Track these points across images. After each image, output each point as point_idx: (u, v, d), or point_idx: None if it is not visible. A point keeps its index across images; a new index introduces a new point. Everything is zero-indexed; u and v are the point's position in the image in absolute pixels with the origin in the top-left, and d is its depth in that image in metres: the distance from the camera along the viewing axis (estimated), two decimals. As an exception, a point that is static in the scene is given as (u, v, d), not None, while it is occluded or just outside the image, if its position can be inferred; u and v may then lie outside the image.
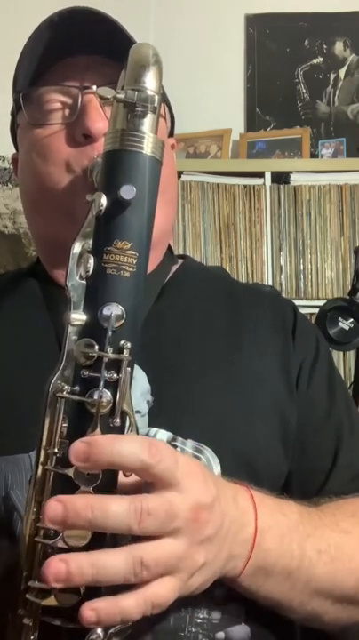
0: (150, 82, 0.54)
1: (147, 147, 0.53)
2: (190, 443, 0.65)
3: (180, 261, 0.85)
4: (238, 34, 2.29)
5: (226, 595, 0.62)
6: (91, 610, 0.48)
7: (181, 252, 0.75)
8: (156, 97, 0.53)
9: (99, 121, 0.70)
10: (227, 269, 1.90)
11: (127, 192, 0.52)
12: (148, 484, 0.50)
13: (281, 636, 0.67)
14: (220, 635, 0.62)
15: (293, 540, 0.61)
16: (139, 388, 0.67)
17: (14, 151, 0.85)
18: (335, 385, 0.80)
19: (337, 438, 0.76)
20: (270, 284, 1.97)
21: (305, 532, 0.62)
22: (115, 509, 0.47)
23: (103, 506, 0.47)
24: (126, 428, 0.52)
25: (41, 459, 0.52)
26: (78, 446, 0.48)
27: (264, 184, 2.01)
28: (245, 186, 2.01)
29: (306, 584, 0.61)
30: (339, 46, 2.28)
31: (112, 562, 0.48)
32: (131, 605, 0.48)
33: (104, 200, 0.53)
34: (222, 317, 0.78)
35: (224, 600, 0.62)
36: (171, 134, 0.85)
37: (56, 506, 0.47)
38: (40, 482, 0.51)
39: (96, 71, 0.72)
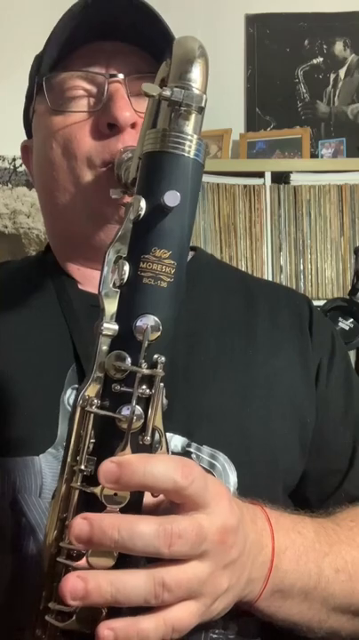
0: (196, 79, 0.51)
1: (191, 149, 0.50)
2: (205, 449, 0.64)
3: (192, 253, 0.81)
4: (238, 34, 2.29)
5: (242, 627, 0.61)
6: (109, 629, 0.45)
7: None
8: (203, 96, 0.50)
9: (127, 110, 0.67)
10: (227, 269, 1.90)
11: (172, 199, 0.48)
12: (176, 504, 0.49)
13: None
14: None
15: (310, 559, 0.59)
16: None
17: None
18: (352, 382, 0.78)
19: (354, 439, 0.75)
20: (270, 283, 1.97)
21: (322, 550, 0.61)
22: (145, 531, 0.45)
23: (132, 526, 0.45)
24: (157, 445, 0.50)
25: (66, 475, 0.49)
26: (108, 467, 0.46)
27: (264, 184, 2.01)
28: (245, 186, 2.01)
29: (323, 603, 0.61)
30: (338, 46, 2.28)
31: (132, 582, 0.46)
32: (150, 627, 0.46)
33: (143, 204, 0.49)
34: (238, 313, 0.75)
35: (239, 614, 0.60)
36: None
37: (82, 524, 0.45)
38: (64, 499, 0.49)
39: (123, 59, 0.69)
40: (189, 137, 0.50)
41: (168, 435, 0.62)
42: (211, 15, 2.25)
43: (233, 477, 0.64)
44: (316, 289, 1.98)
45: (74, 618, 0.46)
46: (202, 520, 0.48)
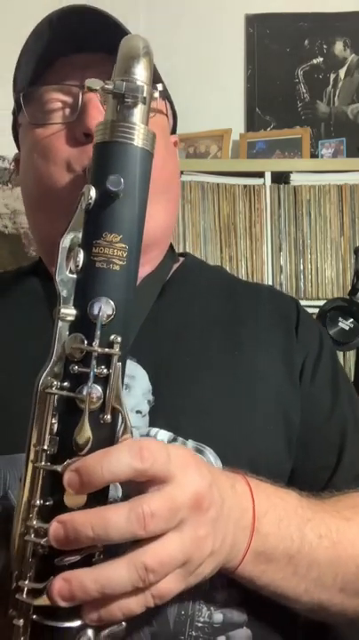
0: (140, 72, 0.52)
1: (138, 138, 0.52)
2: (191, 443, 0.65)
3: (181, 259, 0.85)
4: (238, 34, 2.29)
5: (227, 599, 0.61)
6: (93, 609, 0.47)
7: (171, 244, 0.75)
8: (146, 87, 0.52)
9: (100, 119, 0.69)
10: (227, 269, 1.89)
11: (114, 183, 0.51)
12: (143, 482, 0.50)
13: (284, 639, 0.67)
14: (221, 639, 0.61)
15: (291, 523, 0.60)
16: (141, 388, 0.67)
17: (15, 151, 0.84)
18: (339, 381, 0.79)
19: (341, 435, 0.76)
20: (270, 283, 1.96)
21: (304, 516, 0.62)
22: (116, 520, 0.46)
23: (103, 520, 0.46)
24: (119, 424, 0.51)
25: (31, 456, 0.51)
26: (69, 476, 0.47)
27: (264, 184, 2.01)
28: (245, 186, 2.01)
29: (308, 569, 0.61)
30: (338, 46, 2.28)
31: (115, 574, 0.47)
32: (132, 602, 0.48)
33: (93, 192, 0.52)
34: (223, 314, 0.78)
35: (225, 604, 0.62)
36: (173, 131, 0.85)
37: (57, 528, 0.47)
38: (31, 480, 0.51)
39: (96, 69, 0.71)
40: (136, 126, 0.52)
41: (153, 430, 0.64)
42: (211, 15, 2.25)
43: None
44: (316, 289, 1.98)
45: (45, 595, 0.47)
46: (172, 491, 0.49)
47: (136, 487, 0.50)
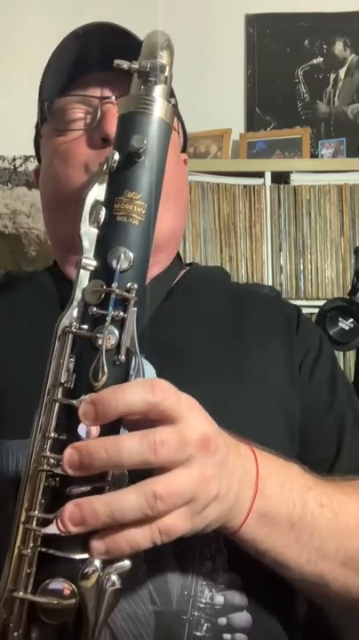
0: (162, 57, 0.58)
1: (158, 110, 0.57)
2: None
3: (188, 267, 0.89)
4: (238, 34, 2.29)
5: (228, 581, 0.63)
6: (100, 540, 0.49)
7: (181, 252, 0.77)
8: (167, 68, 0.58)
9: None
10: (227, 269, 1.90)
11: (138, 141, 0.55)
12: (154, 421, 0.51)
13: (283, 625, 0.68)
14: (222, 620, 0.62)
15: (294, 488, 0.61)
16: None
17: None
18: (337, 380, 0.82)
19: (340, 429, 0.78)
20: (270, 284, 1.97)
21: (306, 484, 0.63)
22: (129, 444, 0.49)
23: (116, 444, 0.49)
24: (131, 367, 0.54)
25: (48, 388, 0.53)
26: (85, 407, 0.50)
27: (264, 184, 2.01)
28: (245, 186, 2.01)
29: (310, 537, 0.61)
30: (339, 46, 2.28)
31: (125, 499, 0.49)
32: (138, 534, 0.49)
33: (117, 157, 0.56)
34: (227, 317, 0.81)
35: (227, 587, 0.63)
36: (183, 150, 0.89)
37: (72, 453, 0.49)
38: (46, 413, 0.53)
39: (115, 84, 0.77)
40: (157, 100, 0.57)
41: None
42: (212, 15, 2.25)
43: None
44: (316, 289, 1.98)
45: (55, 522, 0.49)
46: (181, 427, 0.51)
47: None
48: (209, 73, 2.22)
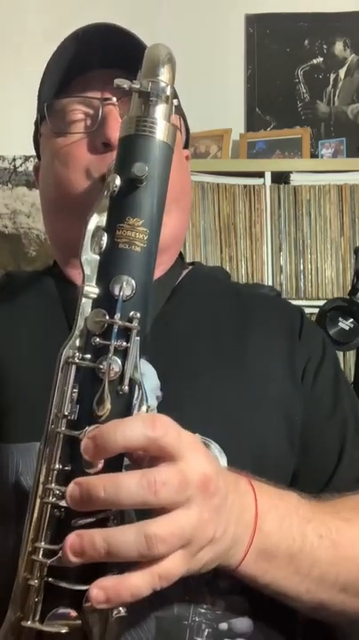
0: (163, 75, 0.57)
1: (160, 132, 0.56)
2: (197, 437, 0.66)
3: (190, 267, 0.89)
4: (238, 34, 2.29)
5: (230, 587, 0.62)
6: (99, 589, 0.48)
7: (181, 252, 0.77)
8: (169, 87, 0.57)
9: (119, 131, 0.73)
10: (227, 269, 1.90)
11: (139, 169, 0.55)
12: (154, 458, 0.51)
13: (284, 631, 0.68)
14: (223, 625, 0.62)
15: (293, 523, 0.61)
16: (149, 384, 0.68)
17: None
18: (340, 386, 0.81)
19: (341, 437, 0.77)
20: (270, 284, 1.97)
21: (305, 516, 0.63)
22: (128, 483, 0.48)
23: (116, 482, 0.49)
24: (135, 396, 0.54)
25: (51, 421, 0.53)
26: (85, 442, 0.50)
27: (264, 184, 2.01)
28: (245, 186, 2.01)
29: (310, 569, 0.61)
30: (339, 46, 2.28)
31: (123, 536, 0.48)
32: (139, 582, 0.49)
33: (118, 181, 0.56)
34: (230, 318, 0.80)
35: (228, 592, 0.63)
36: (185, 146, 0.88)
37: (74, 488, 0.49)
38: (50, 444, 0.53)
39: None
40: (158, 121, 0.56)
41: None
42: (211, 15, 2.25)
43: (223, 463, 0.65)
44: (316, 289, 1.98)
45: (60, 554, 0.49)
46: (182, 467, 0.51)
47: (148, 465, 0.51)
48: (209, 73, 2.22)
